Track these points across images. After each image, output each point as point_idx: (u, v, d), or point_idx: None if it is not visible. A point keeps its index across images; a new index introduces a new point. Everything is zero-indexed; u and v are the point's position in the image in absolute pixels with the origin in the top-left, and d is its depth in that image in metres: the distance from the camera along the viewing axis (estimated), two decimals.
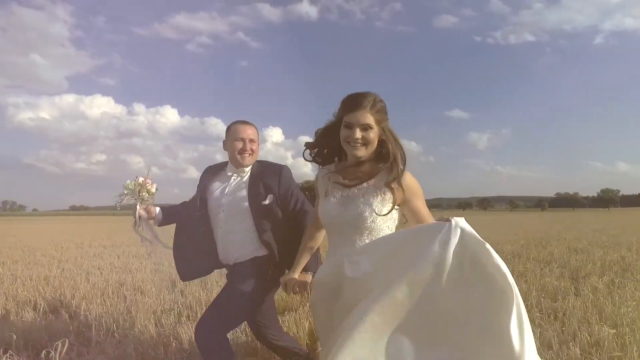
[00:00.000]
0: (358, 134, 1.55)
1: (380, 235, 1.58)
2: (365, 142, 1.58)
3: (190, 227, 2.28)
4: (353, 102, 1.57)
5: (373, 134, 1.58)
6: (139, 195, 2.16)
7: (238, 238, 2.20)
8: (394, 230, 1.63)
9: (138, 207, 2.16)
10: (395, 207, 1.59)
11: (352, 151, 1.59)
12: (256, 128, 2.33)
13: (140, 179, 2.16)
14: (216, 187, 2.28)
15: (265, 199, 2.17)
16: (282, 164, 2.32)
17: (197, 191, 2.35)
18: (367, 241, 1.56)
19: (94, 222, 41.52)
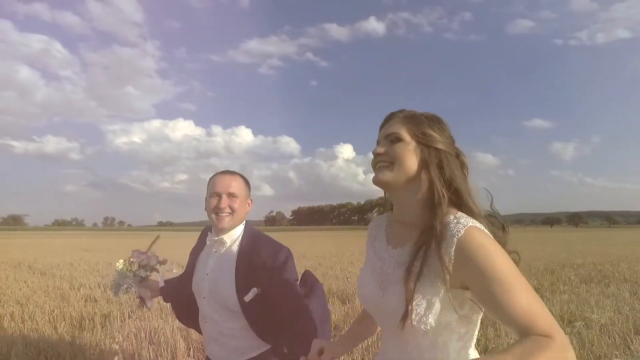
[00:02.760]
0: (380, 148, 0.96)
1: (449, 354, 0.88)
2: (392, 159, 0.94)
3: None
4: (385, 118, 1.01)
5: (403, 149, 0.93)
6: (135, 275, 1.68)
7: (230, 340, 1.61)
8: (472, 345, 0.91)
9: (134, 289, 1.68)
10: (465, 301, 0.86)
11: (375, 176, 0.96)
12: (243, 178, 1.69)
13: (134, 255, 1.71)
14: (200, 259, 1.71)
15: (247, 293, 1.53)
16: (283, 245, 1.62)
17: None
18: (428, 356, 0.89)
19: (181, 237, 37.71)
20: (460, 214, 0.88)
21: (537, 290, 6.43)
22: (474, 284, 0.81)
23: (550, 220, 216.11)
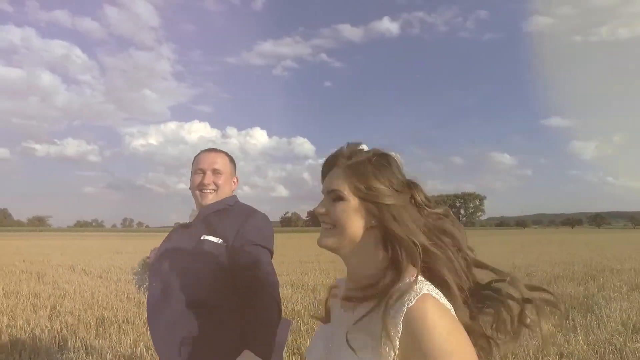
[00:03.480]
0: (320, 207, 0.84)
1: None
2: (333, 222, 0.82)
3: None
4: (324, 165, 0.89)
5: (345, 210, 0.81)
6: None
7: (167, 325, 1.43)
8: None
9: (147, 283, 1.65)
10: None
11: (319, 239, 0.85)
12: (228, 156, 1.65)
13: (153, 257, 1.66)
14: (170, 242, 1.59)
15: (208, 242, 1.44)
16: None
17: None
18: None
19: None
20: (420, 278, 0.74)
21: (588, 298, 6.78)
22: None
23: (570, 221, 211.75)
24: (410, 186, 0.84)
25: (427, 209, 0.83)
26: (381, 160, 0.83)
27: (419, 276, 0.76)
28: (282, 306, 1.52)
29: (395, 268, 0.77)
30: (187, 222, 1.61)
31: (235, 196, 1.66)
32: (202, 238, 1.48)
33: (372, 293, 0.77)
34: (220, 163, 1.61)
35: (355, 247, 0.82)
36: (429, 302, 0.71)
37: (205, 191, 1.57)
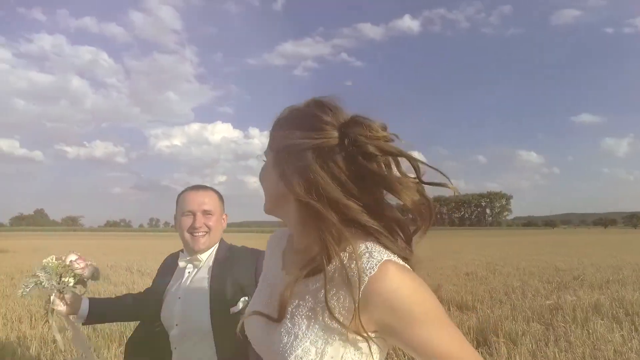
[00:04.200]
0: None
1: None
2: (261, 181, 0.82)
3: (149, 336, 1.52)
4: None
5: (263, 168, 0.81)
6: (60, 281, 1.38)
7: None
8: None
9: (53, 296, 1.38)
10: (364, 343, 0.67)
11: None
12: (217, 193, 1.58)
13: (71, 258, 1.43)
14: (170, 286, 1.53)
15: (235, 304, 1.38)
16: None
17: (151, 285, 1.64)
18: None
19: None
20: (370, 244, 0.67)
21: None
22: (388, 328, 0.65)
23: (603, 221, 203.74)
24: (346, 132, 0.69)
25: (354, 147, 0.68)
26: (295, 108, 0.77)
27: (371, 243, 0.68)
28: None
29: (325, 232, 0.67)
30: (184, 263, 1.53)
31: (223, 240, 1.60)
32: (225, 284, 1.43)
33: (319, 264, 0.67)
34: (210, 203, 1.55)
35: (280, 204, 0.77)
36: (392, 267, 0.65)
37: (197, 234, 1.50)
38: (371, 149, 0.67)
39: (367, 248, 0.67)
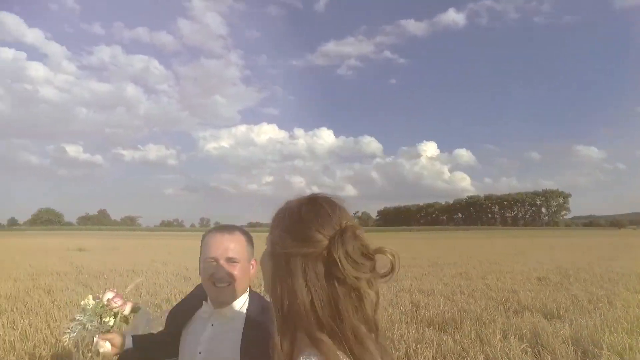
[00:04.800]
0: None
1: None
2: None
3: None
4: None
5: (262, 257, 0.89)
6: (101, 322, 1.33)
7: None
8: None
9: (96, 338, 1.31)
10: None
11: None
12: (245, 235, 1.42)
13: (108, 296, 1.35)
14: (190, 332, 1.42)
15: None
16: None
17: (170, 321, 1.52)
18: None
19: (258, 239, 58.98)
20: (309, 352, 0.72)
21: None
22: None
23: None
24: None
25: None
26: (283, 209, 0.84)
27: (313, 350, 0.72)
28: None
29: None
30: (207, 315, 1.40)
31: (253, 290, 1.44)
32: (262, 348, 1.28)
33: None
34: (235, 249, 1.36)
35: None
36: None
37: (220, 285, 1.34)
38: (348, 278, 0.74)
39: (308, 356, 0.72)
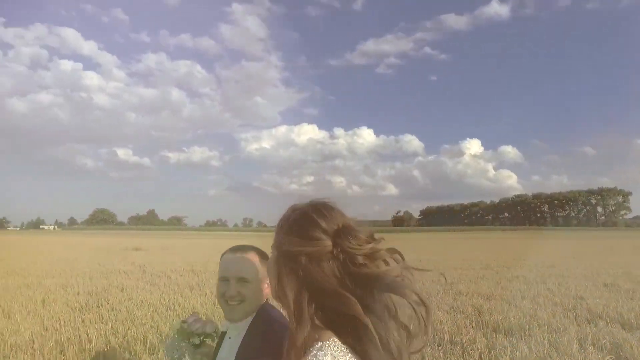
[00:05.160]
0: None
1: None
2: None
3: None
4: None
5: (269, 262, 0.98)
6: (189, 342, 1.52)
7: None
8: None
9: (186, 357, 1.51)
10: None
11: None
12: (259, 254, 1.44)
13: (189, 320, 1.55)
14: (217, 347, 1.50)
15: None
16: None
17: None
18: None
19: None
20: (326, 343, 0.77)
21: None
22: None
23: None
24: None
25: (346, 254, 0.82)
26: (288, 214, 0.91)
27: (332, 340, 0.78)
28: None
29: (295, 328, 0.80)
30: (225, 328, 1.46)
31: (264, 305, 1.44)
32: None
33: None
34: (247, 269, 1.39)
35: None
36: None
37: (232, 303, 1.38)
38: (359, 258, 0.80)
39: (323, 346, 0.76)
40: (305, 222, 0.85)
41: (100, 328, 5.40)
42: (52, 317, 6.04)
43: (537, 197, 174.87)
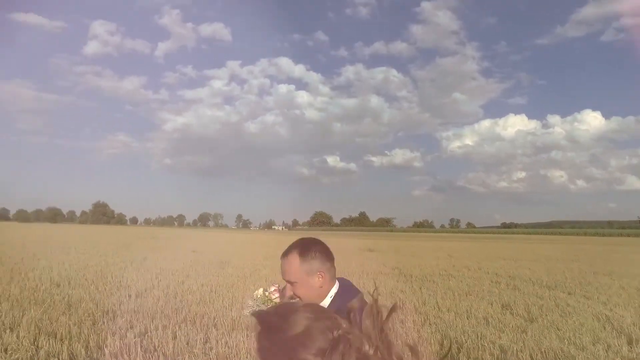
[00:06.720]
0: None
1: None
2: None
3: None
4: None
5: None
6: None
7: None
8: None
9: None
10: None
11: None
12: (300, 254, 1.49)
13: (271, 289, 1.67)
14: None
15: None
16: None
17: None
18: None
19: (523, 242, 44.87)
20: None
21: None
22: None
23: None
24: None
25: None
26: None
27: None
28: None
29: None
30: None
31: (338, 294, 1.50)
32: None
33: None
34: (289, 271, 1.49)
35: None
36: None
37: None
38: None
39: None
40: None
41: None
42: None
43: None
